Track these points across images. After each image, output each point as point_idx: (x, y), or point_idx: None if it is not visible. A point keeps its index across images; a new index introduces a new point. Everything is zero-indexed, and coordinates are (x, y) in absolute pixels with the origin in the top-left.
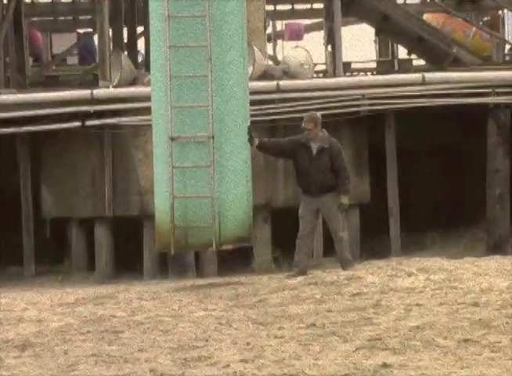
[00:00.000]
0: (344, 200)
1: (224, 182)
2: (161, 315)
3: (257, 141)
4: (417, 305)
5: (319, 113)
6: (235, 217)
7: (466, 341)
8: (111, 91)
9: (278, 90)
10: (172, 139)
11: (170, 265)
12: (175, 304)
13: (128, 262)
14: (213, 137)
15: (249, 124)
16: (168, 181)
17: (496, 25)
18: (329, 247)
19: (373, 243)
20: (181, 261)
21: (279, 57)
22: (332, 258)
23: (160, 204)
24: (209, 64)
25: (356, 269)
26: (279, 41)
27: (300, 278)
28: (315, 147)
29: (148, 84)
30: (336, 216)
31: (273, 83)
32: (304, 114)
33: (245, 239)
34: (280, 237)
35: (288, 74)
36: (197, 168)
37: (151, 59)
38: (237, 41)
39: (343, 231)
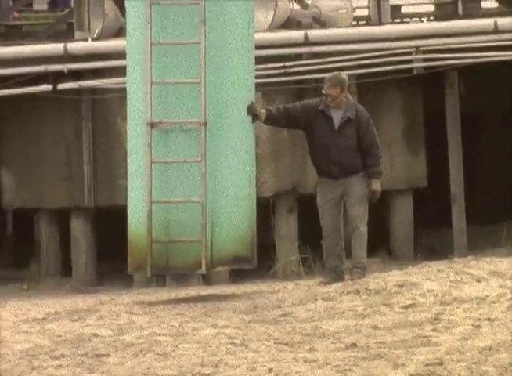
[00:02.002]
0: (377, 185)
1: (219, 183)
2: (157, 333)
3: (264, 113)
4: (489, 319)
5: (345, 74)
6: (232, 229)
7: None
8: (90, 44)
9: (306, 42)
10: (152, 125)
11: None
12: (175, 319)
13: (113, 264)
14: (205, 124)
15: (253, 100)
16: (145, 180)
17: None
18: (375, 245)
19: (431, 239)
20: None
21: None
22: (378, 258)
23: (135, 211)
24: (202, 26)
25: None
26: None
27: (336, 285)
28: (337, 117)
29: None
30: (361, 203)
31: (300, 33)
32: (328, 75)
33: (245, 259)
34: (310, 232)
35: (320, 21)
36: (184, 163)
37: (126, 18)
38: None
39: (364, 225)
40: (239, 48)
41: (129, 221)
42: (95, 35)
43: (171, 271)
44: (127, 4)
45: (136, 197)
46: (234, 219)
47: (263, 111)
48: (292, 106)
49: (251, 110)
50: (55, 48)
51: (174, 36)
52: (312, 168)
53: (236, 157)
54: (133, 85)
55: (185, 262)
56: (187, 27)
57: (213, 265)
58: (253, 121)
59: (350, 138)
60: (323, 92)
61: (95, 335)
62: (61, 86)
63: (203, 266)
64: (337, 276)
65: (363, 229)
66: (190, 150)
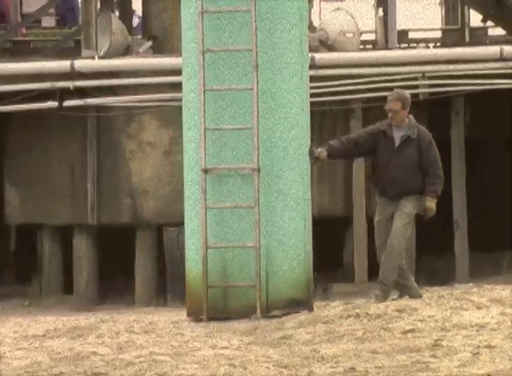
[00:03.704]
0: (431, 204)
1: (273, 228)
2: (157, 353)
3: (324, 152)
4: (489, 346)
5: (407, 92)
6: (288, 273)
7: None
8: (97, 62)
9: (313, 65)
10: (206, 171)
11: (169, 287)
12: (175, 339)
13: (115, 282)
14: (259, 169)
15: (309, 144)
16: (201, 226)
17: None
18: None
19: (432, 264)
20: (183, 282)
21: (316, 22)
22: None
23: (191, 256)
24: (255, 73)
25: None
26: (316, 1)
27: (336, 309)
28: (398, 136)
29: (145, 54)
30: (404, 220)
31: None
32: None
33: (301, 302)
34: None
35: (326, 44)
36: (239, 208)
37: (183, 66)
38: (294, 40)
39: (398, 242)
40: (294, 96)
41: (186, 265)
42: (102, 53)
43: (228, 315)
44: (183, 49)
45: (192, 241)
46: (289, 263)
47: (321, 150)
48: (357, 136)
49: (310, 155)
50: (62, 65)
51: (227, 81)
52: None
53: (290, 203)
54: (188, 131)
55: (242, 306)
56: (240, 72)
57: (269, 309)
58: (314, 163)
59: (410, 157)
60: (386, 108)
61: (95, 353)
62: (67, 103)
63: (258, 311)
64: (386, 290)
65: (398, 242)
66: (244, 195)
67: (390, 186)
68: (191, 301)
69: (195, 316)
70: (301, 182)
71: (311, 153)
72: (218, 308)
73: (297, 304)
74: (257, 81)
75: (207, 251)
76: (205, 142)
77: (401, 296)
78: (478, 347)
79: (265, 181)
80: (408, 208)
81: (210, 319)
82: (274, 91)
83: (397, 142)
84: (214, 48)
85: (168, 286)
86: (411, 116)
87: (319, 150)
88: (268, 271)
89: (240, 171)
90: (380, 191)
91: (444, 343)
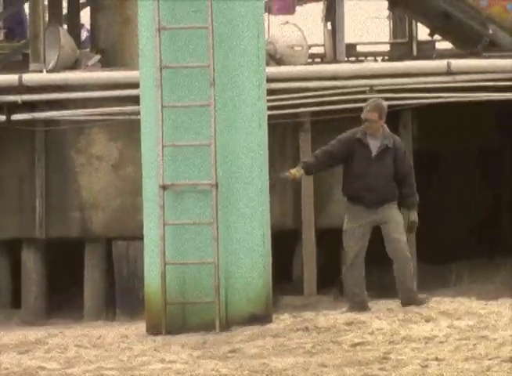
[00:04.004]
0: (414, 216)
1: (232, 244)
2: (105, 367)
3: (300, 170)
4: (437, 359)
5: (384, 102)
6: (247, 288)
7: None
8: (45, 76)
9: None
10: (164, 187)
11: (118, 301)
12: (124, 353)
13: (63, 297)
14: (217, 185)
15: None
16: (159, 242)
17: None
18: (326, 281)
19: (380, 277)
20: (133, 296)
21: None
22: (329, 296)
23: (149, 272)
24: (212, 89)
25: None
26: (265, 15)
27: (285, 323)
28: (374, 145)
29: (94, 68)
30: (401, 230)
31: None
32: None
33: (261, 317)
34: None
35: (275, 58)
36: (197, 225)
37: (140, 82)
38: (250, 56)
39: (409, 252)
40: (252, 111)
41: (145, 281)
42: (50, 67)
43: (187, 331)
44: (140, 66)
45: (151, 258)
46: (248, 279)
47: (297, 169)
48: (330, 147)
49: (286, 179)
50: (10, 78)
51: (185, 97)
52: None
53: (248, 217)
54: (146, 147)
55: (201, 322)
56: (197, 88)
57: (228, 324)
58: (295, 182)
59: (387, 166)
60: (362, 117)
61: (43, 368)
62: (15, 117)
63: (217, 326)
64: (361, 305)
65: (410, 255)
66: (202, 211)
67: (369, 193)
68: (150, 317)
69: (154, 331)
70: (259, 197)
71: (284, 178)
72: (177, 324)
73: (257, 319)
74: (215, 97)
75: (165, 267)
76: (163, 158)
77: (351, 309)
78: (427, 360)
79: (224, 197)
80: (397, 217)
81: (169, 334)
82: (231, 107)
83: (374, 151)
84: (171, 65)
85: (117, 300)
86: (385, 125)
87: (295, 169)
88: (227, 287)
89: (199, 186)
90: (354, 199)
91: (392, 356)
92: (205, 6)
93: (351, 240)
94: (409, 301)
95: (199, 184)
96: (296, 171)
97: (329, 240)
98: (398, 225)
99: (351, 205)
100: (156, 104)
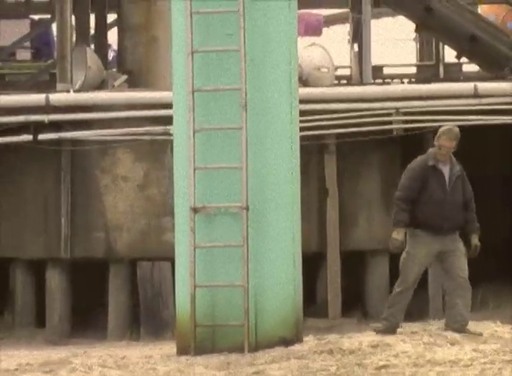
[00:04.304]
0: (477, 240)
1: (262, 267)
2: None
3: (401, 230)
4: None
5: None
6: (276, 312)
7: None
8: (72, 96)
9: None
10: (195, 210)
11: (142, 321)
12: (148, 374)
13: (88, 317)
14: (247, 208)
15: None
16: (189, 265)
17: None
18: (350, 305)
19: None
20: (157, 316)
21: None
22: (353, 318)
23: (180, 294)
24: (244, 112)
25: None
26: None
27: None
28: (447, 173)
29: (120, 88)
30: (465, 259)
31: None
32: (443, 127)
33: (290, 340)
34: None
35: (301, 79)
36: (227, 247)
37: (173, 105)
38: (283, 80)
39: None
40: (284, 135)
41: (176, 304)
42: (77, 87)
43: (216, 353)
44: (173, 89)
45: (181, 280)
46: (278, 302)
47: (397, 232)
48: (408, 187)
49: (397, 246)
50: (36, 98)
51: (217, 121)
52: None
53: (279, 240)
54: (178, 171)
55: (230, 345)
56: (229, 112)
57: (257, 348)
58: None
59: (460, 193)
60: (436, 143)
61: None
62: (41, 137)
63: (246, 350)
64: (391, 327)
65: (468, 282)
66: (233, 233)
67: (446, 221)
68: (180, 339)
69: (183, 353)
70: (290, 220)
71: (396, 246)
72: (206, 346)
73: (286, 343)
74: (246, 120)
75: (195, 289)
76: (194, 181)
77: (383, 330)
78: None
79: (254, 220)
80: (461, 246)
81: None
82: (263, 130)
83: (447, 177)
84: (203, 88)
85: (142, 320)
86: None
87: (395, 232)
88: (256, 310)
89: (229, 209)
90: (427, 226)
91: None
92: (238, 29)
93: (415, 265)
94: (462, 331)
95: (230, 207)
96: (397, 235)
97: (353, 263)
98: (462, 254)
99: (419, 231)
100: (189, 127)
